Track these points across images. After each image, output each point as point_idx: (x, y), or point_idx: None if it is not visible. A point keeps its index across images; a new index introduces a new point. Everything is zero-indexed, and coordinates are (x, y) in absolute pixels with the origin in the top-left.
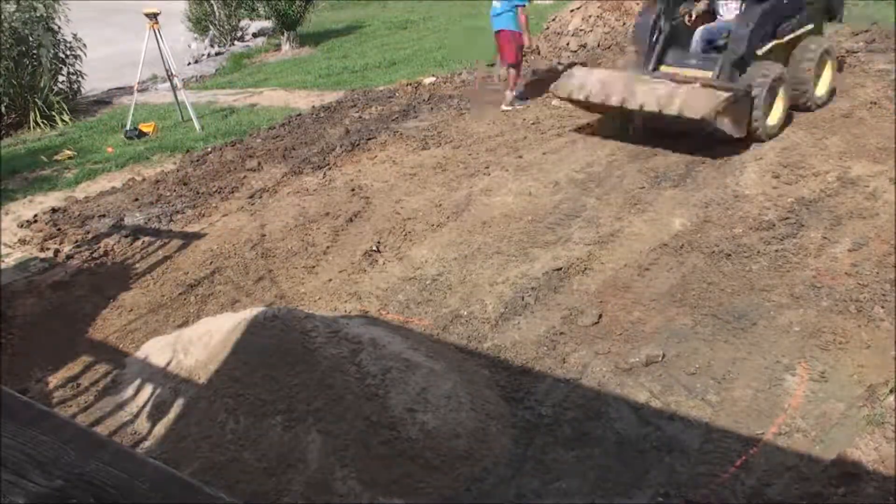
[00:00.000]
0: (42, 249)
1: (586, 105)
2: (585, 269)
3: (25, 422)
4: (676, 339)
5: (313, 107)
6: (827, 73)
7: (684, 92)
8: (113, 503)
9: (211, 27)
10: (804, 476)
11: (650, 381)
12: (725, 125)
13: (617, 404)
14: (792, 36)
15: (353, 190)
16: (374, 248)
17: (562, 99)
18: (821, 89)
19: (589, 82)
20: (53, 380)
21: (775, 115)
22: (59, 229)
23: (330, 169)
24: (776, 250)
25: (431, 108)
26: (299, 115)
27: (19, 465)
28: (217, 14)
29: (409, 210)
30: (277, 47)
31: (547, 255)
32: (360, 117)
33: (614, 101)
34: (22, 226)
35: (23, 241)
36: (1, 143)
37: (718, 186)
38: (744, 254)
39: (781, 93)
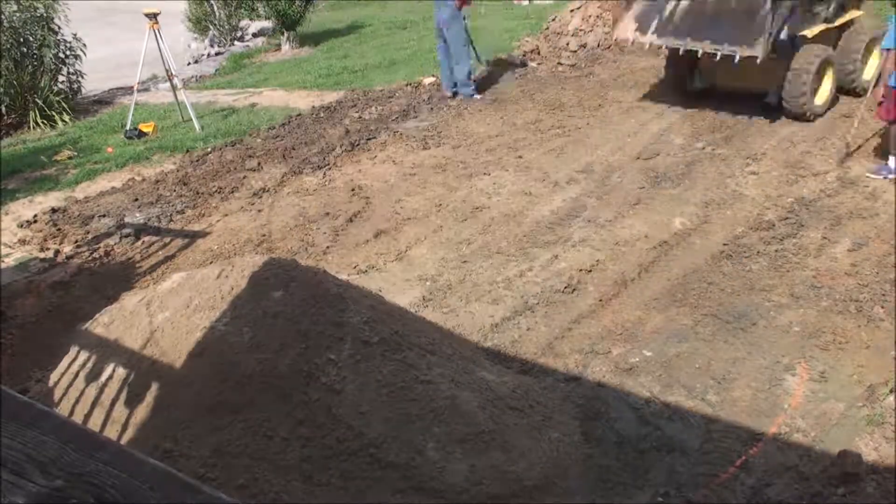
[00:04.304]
0: (42, 249)
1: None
2: (585, 268)
3: (25, 422)
4: (676, 339)
5: (313, 107)
6: (873, 60)
7: None
8: (113, 503)
9: (211, 27)
10: (804, 476)
11: (650, 381)
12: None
13: (617, 404)
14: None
15: (353, 190)
16: (374, 247)
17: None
18: (867, 74)
19: None
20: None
21: (822, 95)
22: (59, 229)
23: (330, 169)
24: (776, 250)
25: (431, 108)
26: (299, 115)
27: (19, 465)
28: (217, 14)
29: (409, 210)
30: (277, 47)
31: (547, 254)
32: (360, 117)
33: None
34: (22, 226)
35: (23, 241)
36: (1, 143)
37: (718, 186)
38: (744, 254)
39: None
